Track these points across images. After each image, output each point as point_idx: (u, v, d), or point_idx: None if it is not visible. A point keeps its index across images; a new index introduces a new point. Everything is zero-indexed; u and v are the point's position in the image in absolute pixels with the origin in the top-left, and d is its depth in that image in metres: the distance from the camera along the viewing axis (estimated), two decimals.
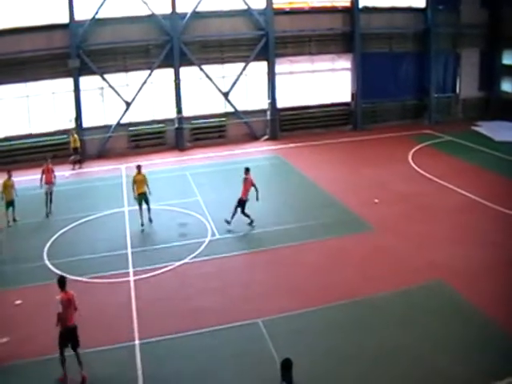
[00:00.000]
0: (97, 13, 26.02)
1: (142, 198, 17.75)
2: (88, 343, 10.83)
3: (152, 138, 27.84)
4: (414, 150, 25.54)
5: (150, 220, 17.98)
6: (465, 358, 10.55)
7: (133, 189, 17.93)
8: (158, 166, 24.76)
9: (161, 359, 10.99)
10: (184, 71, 27.72)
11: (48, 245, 16.71)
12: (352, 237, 16.42)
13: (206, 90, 28.35)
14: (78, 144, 25.32)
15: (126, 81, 27.31)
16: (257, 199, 17.12)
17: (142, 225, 17.71)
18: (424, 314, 12.14)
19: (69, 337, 10.27)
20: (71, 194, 21.24)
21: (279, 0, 28.49)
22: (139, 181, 17.79)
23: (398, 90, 30.42)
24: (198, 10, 27.27)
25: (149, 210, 17.93)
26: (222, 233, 16.88)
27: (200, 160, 25.52)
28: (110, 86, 26.93)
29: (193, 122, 28.22)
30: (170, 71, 27.53)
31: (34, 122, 26.36)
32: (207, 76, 27.95)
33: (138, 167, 18.17)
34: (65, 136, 26.03)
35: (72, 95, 26.50)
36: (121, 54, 26.85)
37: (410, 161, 23.91)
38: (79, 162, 25.39)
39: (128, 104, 27.27)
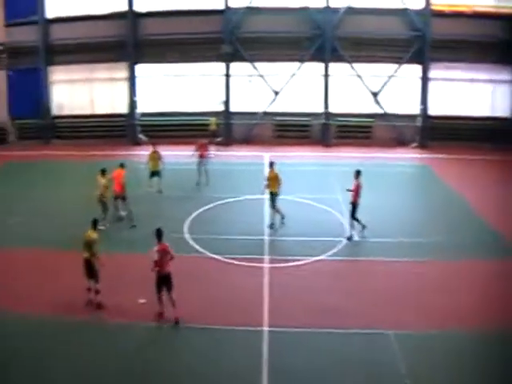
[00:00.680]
0: (251, 1, 26.63)
1: (273, 197, 16.75)
2: (220, 320, 11.18)
3: (297, 130, 28.08)
4: None
5: (282, 218, 17.03)
6: None
7: (266, 185, 17.00)
8: (301, 158, 24.75)
9: (287, 350, 10.92)
10: (334, 67, 27.51)
11: (190, 219, 17.47)
12: (490, 262, 14.77)
13: (355, 88, 27.92)
14: (215, 127, 26.47)
15: (275, 70, 27.67)
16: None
17: (271, 227, 16.80)
18: None
19: (163, 281, 11.55)
20: (216, 175, 21.88)
21: (438, 1, 27.05)
22: (272, 178, 16.81)
23: None
24: (352, 5, 26.88)
25: (277, 210, 16.92)
26: (359, 235, 16.36)
27: (345, 158, 24.94)
28: (260, 74, 27.42)
29: (339, 119, 27.91)
30: (320, 65, 27.48)
31: (183, 102, 27.99)
32: (357, 74, 27.48)
33: (271, 164, 17.12)
34: (207, 118, 27.17)
35: (223, 79, 27.47)
36: (271, 43, 27.27)
37: None
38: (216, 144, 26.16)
39: (276, 93, 27.63)
